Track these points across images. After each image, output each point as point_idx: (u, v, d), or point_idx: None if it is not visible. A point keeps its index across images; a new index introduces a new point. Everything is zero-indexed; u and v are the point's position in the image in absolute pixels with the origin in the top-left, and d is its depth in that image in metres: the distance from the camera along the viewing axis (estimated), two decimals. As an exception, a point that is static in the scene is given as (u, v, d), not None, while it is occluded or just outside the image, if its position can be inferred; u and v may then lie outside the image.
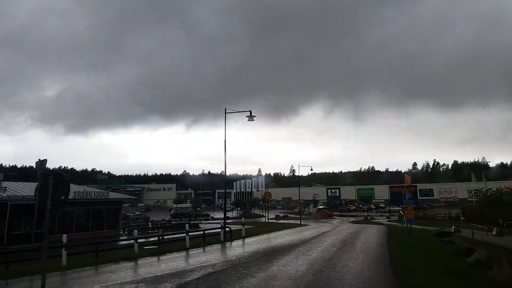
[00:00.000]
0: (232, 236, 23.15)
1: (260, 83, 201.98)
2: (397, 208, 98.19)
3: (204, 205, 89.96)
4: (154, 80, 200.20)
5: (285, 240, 21.33)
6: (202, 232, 23.01)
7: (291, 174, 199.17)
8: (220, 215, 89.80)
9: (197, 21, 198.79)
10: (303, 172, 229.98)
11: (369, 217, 69.89)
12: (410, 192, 29.73)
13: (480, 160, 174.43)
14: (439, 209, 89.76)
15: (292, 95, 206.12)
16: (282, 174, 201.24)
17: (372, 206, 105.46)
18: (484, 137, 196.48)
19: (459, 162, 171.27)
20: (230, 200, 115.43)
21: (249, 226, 54.33)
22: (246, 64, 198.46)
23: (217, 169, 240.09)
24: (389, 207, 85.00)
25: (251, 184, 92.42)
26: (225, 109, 24.64)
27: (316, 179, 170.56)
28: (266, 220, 47.55)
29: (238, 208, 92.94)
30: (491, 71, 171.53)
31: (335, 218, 72.97)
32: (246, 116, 24.41)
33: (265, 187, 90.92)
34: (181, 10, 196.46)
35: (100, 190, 41.32)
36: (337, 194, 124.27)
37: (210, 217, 79.01)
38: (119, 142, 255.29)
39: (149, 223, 47.97)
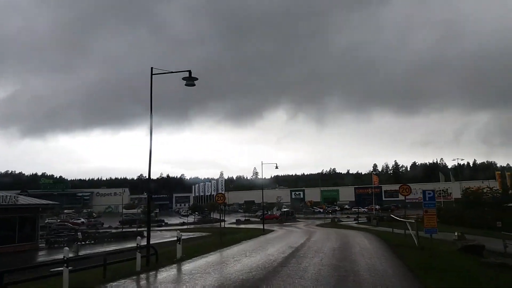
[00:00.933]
0: (158, 259, 14.61)
1: (228, 86, 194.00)
2: (363, 209, 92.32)
3: (158, 210, 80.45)
4: (118, 82, 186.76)
5: (241, 266, 13.09)
6: (121, 252, 14.52)
7: (253, 177, 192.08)
8: (176, 220, 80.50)
9: (166, 22, 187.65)
10: (267, 174, 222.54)
11: (336, 220, 62.75)
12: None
13: (438, 162, 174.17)
14: (404, 210, 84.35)
15: (258, 98, 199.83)
16: (245, 177, 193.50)
17: (337, 208, 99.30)
18: (440, 140, 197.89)
19: (417, 164, 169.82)
20: (189, 205, 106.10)
21: (202, 234, 45.65)
22: (215, 66, 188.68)
23: (176, 173, 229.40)
24: (358, 209, 78.81)
25: (211, 187, 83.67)
26: (152, 68, 16.31)
27: (280, 181, 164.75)
28: (223, 226, 39.23)
29: (196, 213, 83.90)
30: (447, 78, 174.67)
31: (300, 221, 65.53)
32: (183, 79, 16.19)
33: (225, 190, 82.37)
34: (150, 10, 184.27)
35: (7, 195, 31.52)
36: (301, 196, 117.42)
37: (163, 224, 69.65)
38: (77, 146, 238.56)
39: (78, 234, 38.32)
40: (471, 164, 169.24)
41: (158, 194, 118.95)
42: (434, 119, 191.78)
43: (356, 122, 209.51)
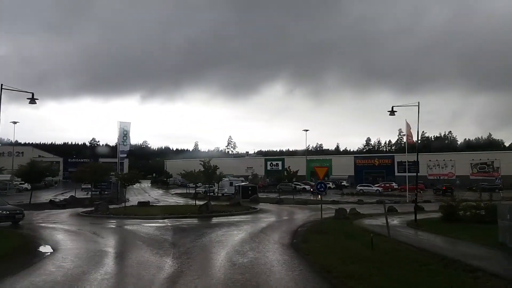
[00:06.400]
0: None
1: (230, 57, 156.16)
2: (374, 188, 54.13)
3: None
4: (116, 46, 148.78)
5: None
6: None
7: (230, 150, 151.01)
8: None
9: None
10: (249, 149, 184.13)
11: (346, 211, 22.92)
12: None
13: (446, 134, 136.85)
14: (458, 191, 46.30)
15: (258, 71, 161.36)
16: (219, 150, 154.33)
17: (331, 185, 60.73)
18: (438, 120, 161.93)
19: (424, 136, 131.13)
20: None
21: None
22: (220, 35, 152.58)
23: (156, 144, 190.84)
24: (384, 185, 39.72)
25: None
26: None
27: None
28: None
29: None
30: (451, 58, 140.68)
31: (264, 210, 26.73)
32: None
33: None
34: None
35: None
36: (280, 168, 78.81)
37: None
38: (63, 114, 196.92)
39: None
40: (483, 138, 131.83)
41: (77, 159, 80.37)
42: (433, 99, 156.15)
43: (351, 99, 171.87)
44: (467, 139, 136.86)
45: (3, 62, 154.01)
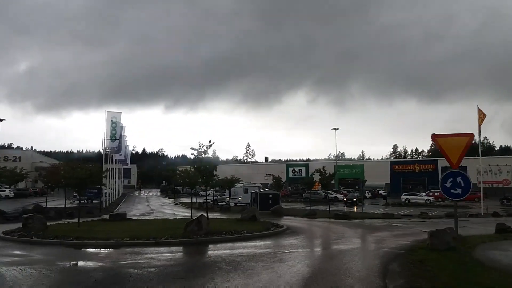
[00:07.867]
0: None
1: (254, 66, 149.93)
2: (423, 197, 42.64)
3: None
4: (144, 57, 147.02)
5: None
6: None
7: (248, 158, 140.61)
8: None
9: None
10: (269, 155, 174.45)
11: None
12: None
13: (482, 140, 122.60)
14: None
15: (281, 80, 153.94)
16: (237, 159, 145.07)
17: (367, 194, 50.61)
18: (465, 129, 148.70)
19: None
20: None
21: None
22: (246, 44, 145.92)
23: (175, 152, 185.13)
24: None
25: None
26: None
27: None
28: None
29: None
30: (480, 66, 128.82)
31: (293, 231, 17.24)
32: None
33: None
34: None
35: None
36: (303, 174, 68.73)
37: None
38: (88, 124, 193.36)
39: None
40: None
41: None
42: (461, 107, 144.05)
43: (376, 108, 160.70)
44: (503, 145, 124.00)
45: (34, 74, 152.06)
